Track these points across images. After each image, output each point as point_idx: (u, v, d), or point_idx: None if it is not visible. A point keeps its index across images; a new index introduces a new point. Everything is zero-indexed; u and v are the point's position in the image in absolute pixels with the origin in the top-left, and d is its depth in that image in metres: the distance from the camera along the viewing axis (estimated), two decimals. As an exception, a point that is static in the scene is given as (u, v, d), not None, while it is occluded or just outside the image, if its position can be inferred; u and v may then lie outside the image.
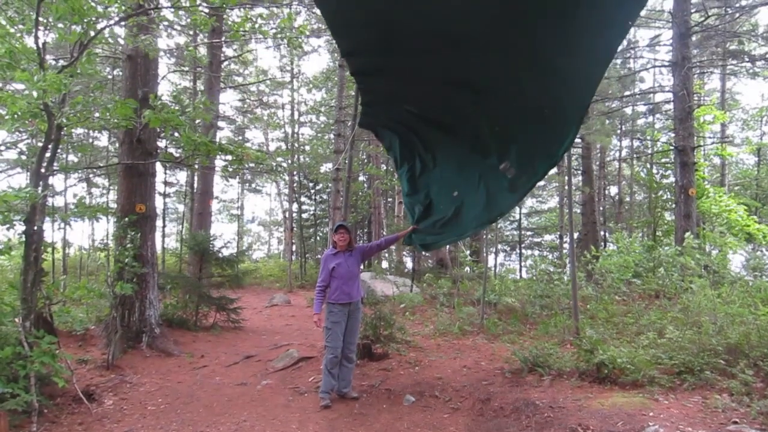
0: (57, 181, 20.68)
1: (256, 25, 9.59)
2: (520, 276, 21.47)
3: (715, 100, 25.39)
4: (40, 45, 6.13)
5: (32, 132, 11.86)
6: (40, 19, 6.11)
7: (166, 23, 14.90)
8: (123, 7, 7.37)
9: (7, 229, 6.09)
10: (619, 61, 25.00)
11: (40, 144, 6.83)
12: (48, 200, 8.42)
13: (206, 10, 10.37)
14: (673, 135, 16.52)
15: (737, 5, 19.07)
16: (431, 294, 14.31)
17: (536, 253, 30.94)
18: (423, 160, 6.13)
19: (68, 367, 6.25)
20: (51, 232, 19.35)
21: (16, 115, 5.96)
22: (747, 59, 21.26)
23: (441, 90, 5.03)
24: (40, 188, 6.17)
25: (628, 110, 26.57)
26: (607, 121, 22.22)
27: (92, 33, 6.51)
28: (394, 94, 5.33)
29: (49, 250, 9.55)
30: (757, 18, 21.71)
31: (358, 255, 6.52)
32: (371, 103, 5.72)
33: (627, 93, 23.05)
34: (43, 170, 6.40)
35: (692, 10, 16.33)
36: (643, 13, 19.14)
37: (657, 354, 6.38)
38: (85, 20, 6.16)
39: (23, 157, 14.19)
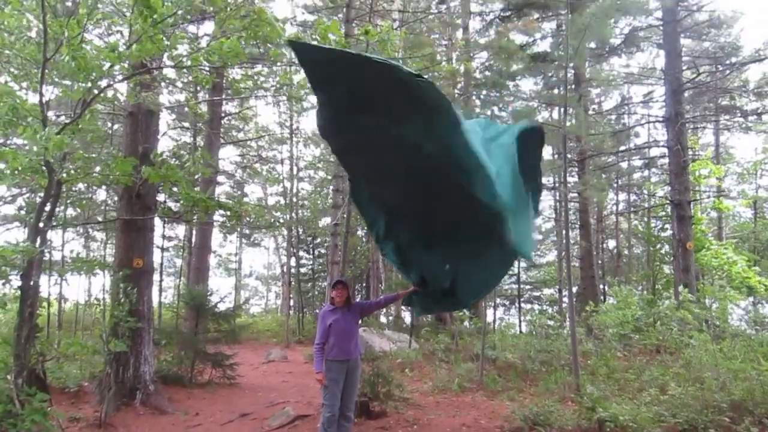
0: (55, 236, 20.70)
1: (258, 81, 9.77)
2: (520, 330, 21.29)
3: (709, 154, 25.71)
4: (44, 102, 6.24)
5: (32, 187, 11.93)
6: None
7: (167, 81, 15.17)
8: (126, 66, 7.52)
9: (3, 283, 6.07)
10: (613, 117, 25.43)
11: (39, 198, 6.87)
12: (45, 255, 8.42)
13: (207, 69, 10.57)
14: (669, 189, 16.67)
15: (727, 62, 19.51)
16: (429, 349, 14.14)
17: (535, 307, 30.72)
18: (409, 241, 6.12)
19: (60, 426, 6.14)
20: (47, 286, 19.22)
21: (16, 171, 6.02)
22: (739, 114, 21.63)
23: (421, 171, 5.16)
24: (37, 243, 6.18)
25: (624, 164, 26.83)
26: (603, 176, 22.45)
27: (95, 91, 6.63)
28: (376, 174, 5.42)
29: (45, 304, 9.48)
30: (748, 74, 22.18)
31: (356, 311, 6.45)
32: (355, 181, 5.80)
33: (622, 148, 23.33)
34: (41, 225, 6.41)
35: (684, 68, 16.70)
36: (635, 70, 19.60)
37: (660, 411, 6.28)
38: (90, 77, 6.28)
39: (22, 212, 14.23)
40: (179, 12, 6.14)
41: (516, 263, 25.39)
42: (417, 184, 5.27)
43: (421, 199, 5.51)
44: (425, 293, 6.21)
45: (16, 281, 6.07)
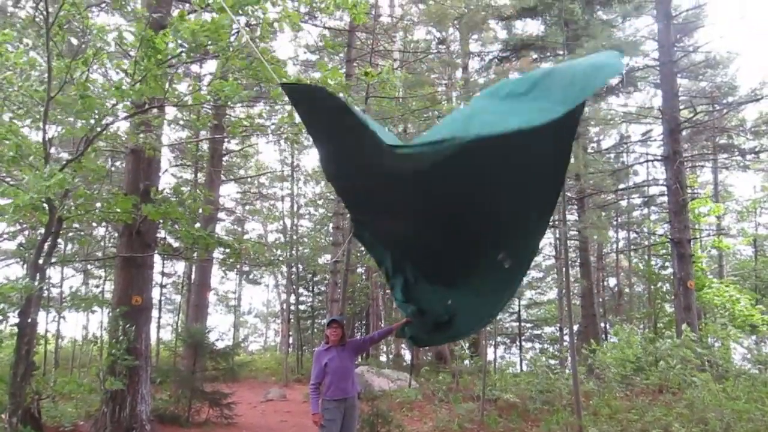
0: (54, 272, 20.63)
1: (254, 123, 9.87)
2: (521, 369, 21.11)
3: (708, 192, 25.80)
4: (47, 140, 6.30)
5: (32, 224, 11.95)
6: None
7: (169, 121, 15.35)
8: (129, 104, 7.60)
9: (0, 321, 6.03)
10: (612, 156, 25.58)
11: (39, 235, 6.87)
12: (43, 291, 8.40)
13: (209, 109, 10.69)
14: (668, 227, 16.70)
15: (724, 102, 19.73)
16: (430, 389, 13.99)
17: (536, 345, 30.47)
18: (415, 276, 6.09)
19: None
20: (45, 324, 19.12)
21: (17, 207, 6.03)
22: (737, 153, 21.79)
23: (432, 190, 5.09)
24: (36, 280, 6.16)
25: (624, 203, 26.91)
26: (603, 214, 22.47)
27: (98, 128, 6.69)
28: (381, 203, 5.39)
29: (42, 341, 9.46)
30: (745, 114, 22.39)
31: (351, 349, 6.41)
32: (358, 218, 5.79)
33: (621, 186, 23.42)
34: (41, 262, 6.41)
35: (681, 107, 16.88)
36: (633, 109, 19.80)
37: (663, 453, 6.19)
38: (94, 115, 6.34)
39: (22, 249, 14.21)
40: (182, 52, 6.23)
41: (516, 300, 25.35)
42: (432, 210, 5.22)
43: (431, 227, 5.48)
44: (419, 325, 6.15)
45: (13, 318, 6.04)
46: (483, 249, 5.26)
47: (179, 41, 6.14)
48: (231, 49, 6.75)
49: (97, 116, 6.41)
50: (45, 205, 6.18)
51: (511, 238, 4.98)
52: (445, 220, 5.16)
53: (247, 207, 29.51)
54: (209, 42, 6.21)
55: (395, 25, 21.00)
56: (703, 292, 16.77)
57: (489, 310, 5.64)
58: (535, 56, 17.84)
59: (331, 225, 24.91)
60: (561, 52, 15.23)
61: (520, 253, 5.03)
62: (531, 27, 19.79)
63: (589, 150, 22.50)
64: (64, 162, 6.65)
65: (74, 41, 9.50)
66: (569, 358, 10.68)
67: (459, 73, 22.71)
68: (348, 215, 18.85)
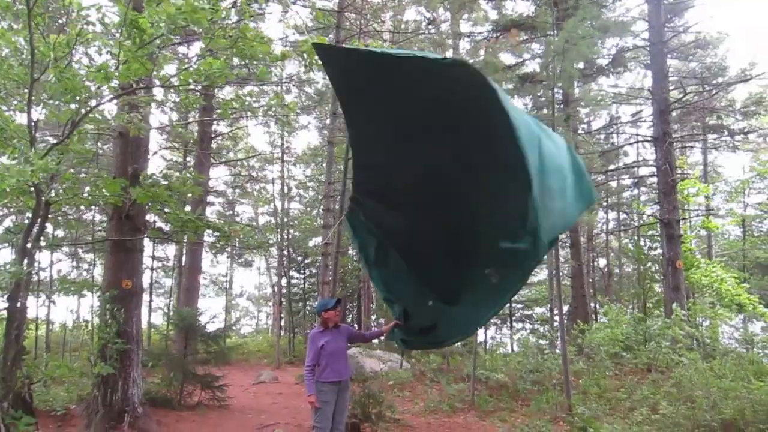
0: (43, 256, 20.52)
1: (246, 103, 9.77)
2: (511, 349, 21.27)
3: (697, 173, 25.93)
4: (32, 123, 6.21)
5: (19, 208, 11.85)
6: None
7: (157, 102, 15.15)
8: (114, 86, 7.50)
9: (-11, 306, 6.00)
10: (602, 137, 25.61)
11: (27, 220, 6.82)
12: (33, 276, 8.35)
13: (198, 90, 10.56)
14: (658, 208, 16.79)
15: (714, 83, 19.76)
16: (421, 369, 14.08)
17: (527, 326, 30.67)
18: (397, 267, 6.02)
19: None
20: (35, 308, 19.07)
21: (3, 192, 5.97)
22: (726, 133, 21.86)
23: (433, 178, 5.10)
24: (25, 264, 6.12)
25: (613, 184, 26.99)
26: (593, 195, 22.53)
27: (83, 111, 6.60)
28: (388, 180, 5.38)
29: (32, 326, 9.43)
30: (734, 94, 22.45)
31: (344, 333, 6.45)
32: (359, 200, 5.76)
33: (611, 167, 23.46)
34: (29, 246, 6.36)
35: (671, 88, 16.88)
36: (623, 90, 19.78)
37: (651, 431, 6.25)
38: (78, 98, 6.25)
39: (9, 233, 14.11)
40: (164, 33, 6.12)
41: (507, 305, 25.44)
42: (433, 205, 5.21)
43: (428, 224, 5.45)
44: (407, 329, 6.10)
45: (2, 303, 6.01)
46: (472, 257, 5.22)
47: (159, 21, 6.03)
48: (216, 27, 6.64)
49: (80, 99, 6.31)
50: (32, 189, 6.11)
51: (500, 252, 4.89)
52: (442, 211, 5.15)
53: (237, 190, 29.38)
54: (188, 24, 6.10)
55: (385, 5, 20.83)
56: (690, 272, 16.90)
57: (474, 320, 5.61)
58: (525, 36, 17.77)
59: (321, 207, 24.87)
60: (550, 32, 15.14)
61: (509, 271, 4.91)
62: (521, 7, 19.67)
63: (579, 131, 22.50)
64: (50, 146, 6.58)
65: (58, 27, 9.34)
66: (559, 338, 10.76)
67: (449, 54, 22.59)
68: (339, 198, 18.84)
